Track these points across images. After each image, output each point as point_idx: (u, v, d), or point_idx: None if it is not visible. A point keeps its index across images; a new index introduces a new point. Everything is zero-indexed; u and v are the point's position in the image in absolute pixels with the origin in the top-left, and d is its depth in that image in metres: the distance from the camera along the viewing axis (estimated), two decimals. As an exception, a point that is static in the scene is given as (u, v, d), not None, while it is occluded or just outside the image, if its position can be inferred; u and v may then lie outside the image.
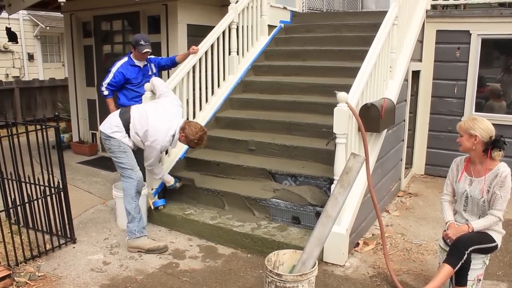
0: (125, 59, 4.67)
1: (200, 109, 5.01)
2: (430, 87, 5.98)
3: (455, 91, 5.83)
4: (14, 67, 13.18)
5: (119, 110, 4.08)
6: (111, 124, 3.93)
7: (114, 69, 4.62)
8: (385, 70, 4.49)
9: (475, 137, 2.83)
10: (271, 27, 6.20)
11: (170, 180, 4.32)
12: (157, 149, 3.88)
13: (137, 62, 4.65)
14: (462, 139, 2.92)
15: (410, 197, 5.35)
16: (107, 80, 4.61)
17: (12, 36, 8.57)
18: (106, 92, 4.62)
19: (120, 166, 3.94)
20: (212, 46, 5.02)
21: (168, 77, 4.72)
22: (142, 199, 4.08)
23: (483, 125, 2.83)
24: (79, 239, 4.05)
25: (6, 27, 8.50)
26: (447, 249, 2.93)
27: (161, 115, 3.89)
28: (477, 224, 2.88)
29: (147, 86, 4.34)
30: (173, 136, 3.88)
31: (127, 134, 3.90)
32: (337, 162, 3.58)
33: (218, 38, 5.11)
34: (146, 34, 6.27)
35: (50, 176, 3.75)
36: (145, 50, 4.54)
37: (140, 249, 3.83)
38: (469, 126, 2.85)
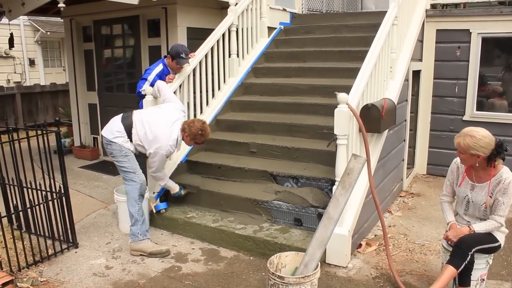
0: (161, 67, 4.60)
1: (201, 112, 5.01)
2: (431, 86, 5.97)
3: (456, 90, 5.82)
4: (15, 73, 13.22)
5: (121, 115, 4.07)
6: (112, 129, 3.93)
7: (151, 77, 4.54)
8: (385, 70, 4.49)
9: (477, 156, 2.74)
10: (270, 29, 6.20)
11: (175, 187, 4.29)
12: (162, 154, 3.87)
13: (170, 72, 4.62)
14: (464, 157, 2.81)
15: (413, 197, 5.34)
16: (147, 84, 4.53)
17: (11, 42, 8.63)
18: (144, 92, 4.50)
19: (123, 170, 3.94)
20: (212, 48, 5.02)
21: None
22: (144, 202, 4.08)
23: (483, 142, 2.70)
24: (81, 244, 4.05)
25: (10, 34, 8.57)
26: (450, 249, 2.91)
27: (161, 121, 3.89)
28: (479, 227, 2.86)
29: (148, 90, 4.34)
30: (177, 140, 3.89)
31: (129, 139, 3.90)
32: (338, 164, 3.57)
33: (218, 41, 5.11)
34: (146, 37, 6.33)
35: (52, 181, 3.76)
36: (185, 65, 4.53)
37: (143, 253, 3.83)
38: (469, 146, 2.72)
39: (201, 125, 3.89)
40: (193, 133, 3.86)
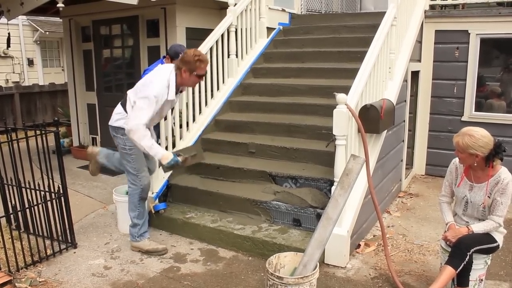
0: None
1: (200, 112, 5.01)
2: (429, 87, 5.98)
3: (455, 91, 5.83)
4: (14, 72, 13.20)
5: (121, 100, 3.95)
6: (113, 114, 3.81)
7: None
8: (384, 71, 4.49)
9: (476, 155, 2.75)
10: (269, 29, 6.21)
11: (167, 154, 3.54)
12: (151, 96, 3.39)
13: None
14: (462, 156, 2.82)
15: (411, 197, 5.34)
16: None
17: (8, 42, 8.64)
18: None
19: (126, 167, 3.89)
20: (211, 49, 5.01)
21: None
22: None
23: (482, 142, 2.72)
24: (80, 244, 4.05)
25: (8, 33, 8.57)
26: (449, 249, 2.92)
27: (150, 74, 3.66)
28: (477, 228, 2.87)
29: None
30: (169, 81, 3.50)
31: None
32: (337, 164, 3.58)
33: (217, 41, 5.10)
34: (145, 37, 6.34)
35: (50, 181, 3.75)
36: None
37: (141, 249, 3.87)
38: (468, 145, 2.73)
39: (193, 51, 3.49)
40: (189, 62, 3.44)
